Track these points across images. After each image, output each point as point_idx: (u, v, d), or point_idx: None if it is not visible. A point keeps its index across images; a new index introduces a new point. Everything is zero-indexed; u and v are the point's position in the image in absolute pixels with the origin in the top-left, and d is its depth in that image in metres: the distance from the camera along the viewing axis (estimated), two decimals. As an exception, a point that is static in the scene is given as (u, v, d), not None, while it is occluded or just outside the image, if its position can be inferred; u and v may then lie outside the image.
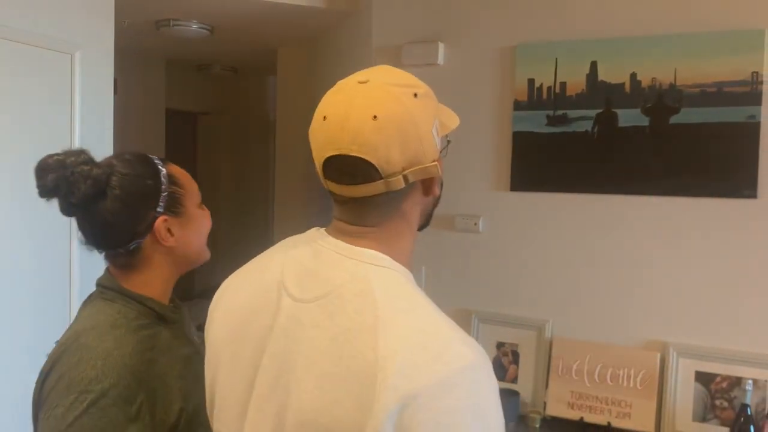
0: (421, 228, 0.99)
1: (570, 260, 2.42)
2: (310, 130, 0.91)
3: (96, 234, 1.14)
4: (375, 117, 0.84)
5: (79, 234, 1.16)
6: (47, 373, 1.07)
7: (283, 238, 1.01)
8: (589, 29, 2.35)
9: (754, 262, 2.15)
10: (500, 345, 2.51)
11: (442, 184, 0.97)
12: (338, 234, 0.91)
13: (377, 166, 0.84)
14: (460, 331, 0.82)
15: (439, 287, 2.62)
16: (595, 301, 2.38)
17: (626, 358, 2.29)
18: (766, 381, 2.09)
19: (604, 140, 2.33)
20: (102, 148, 2.28)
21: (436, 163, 0.89)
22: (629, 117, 2.29)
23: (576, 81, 2.37)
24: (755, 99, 2.11)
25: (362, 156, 0.84)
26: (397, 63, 2.67)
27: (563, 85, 2.39)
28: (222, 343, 0.93)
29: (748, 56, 2.12)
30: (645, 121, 2.27)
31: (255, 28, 3.48)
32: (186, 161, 5.76)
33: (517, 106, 2.46)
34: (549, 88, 2.41)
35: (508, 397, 2.35)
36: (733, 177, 2.16)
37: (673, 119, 2.23)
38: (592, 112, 2.34)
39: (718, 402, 2.16)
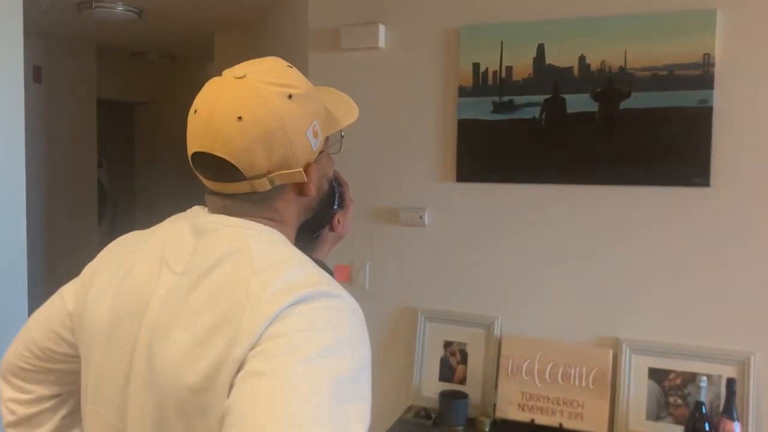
0: (308, 219, 0.98)
1: (519, 254, 2.30)
2: (189, 118, 0.89)
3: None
4: (240, 118, 0.83)
5: None
6: None
7: None
8: (536, 10, 2.23)
9: (707, 253, 2.06)
10: (448, 344, 2.38)
11: (331, 180, 0.99)
12: (219, 213, 0.90)
13: (240, 168, 0.84)
14: (333, 281, 0.83)
15: (384, 284, 2.48)
16: (545, 296, 2.27)
17: (578, 356, 2.19)
18: (720, 377, 2.01)
19: (552, 127, 2.21)
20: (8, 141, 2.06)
21: (302, 171, 0.88)
22: (578, 102, 2.18)
23: (522, 65, 2.24)
24: (707, 82, 2.02)
25: (224, 157, 0.84)
26: (335, 46, 2.51)
27: (509, 69, 2.26)
28: (98, 323, 0.91)
29: (700, 37, 2.03)
30: (594, 107, 2.16)
31: (187, 11, 3.26)
32: (123, 154, 5.49)
33: (462, 92, 2.32)
34: (495, 72, 2.27)
35: (457, 399, 2.23)
36: (685, 164, 2.07)
37: (624, 104, 2.13)
38: (540, 98, 2.22)
39: (671, 399, 2.07)
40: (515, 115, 2.25)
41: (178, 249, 0.88)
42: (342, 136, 1.02)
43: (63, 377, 1.02)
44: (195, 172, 0.90)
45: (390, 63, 2.44)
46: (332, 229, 1.42)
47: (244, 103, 0.84)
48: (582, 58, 2.17)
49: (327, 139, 0.96)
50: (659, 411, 2.09)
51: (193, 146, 0.88)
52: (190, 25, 3.62)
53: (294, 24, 2.78)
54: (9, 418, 1.02)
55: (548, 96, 2.21)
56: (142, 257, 0.92)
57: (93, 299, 0.93)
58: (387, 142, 2.47)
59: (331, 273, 1.17)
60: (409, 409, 2.33)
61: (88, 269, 0.99)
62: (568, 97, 2.19)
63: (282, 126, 0.85)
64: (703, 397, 1.92)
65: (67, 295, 0.99)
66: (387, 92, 2.46)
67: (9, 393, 1.03)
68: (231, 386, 0.74)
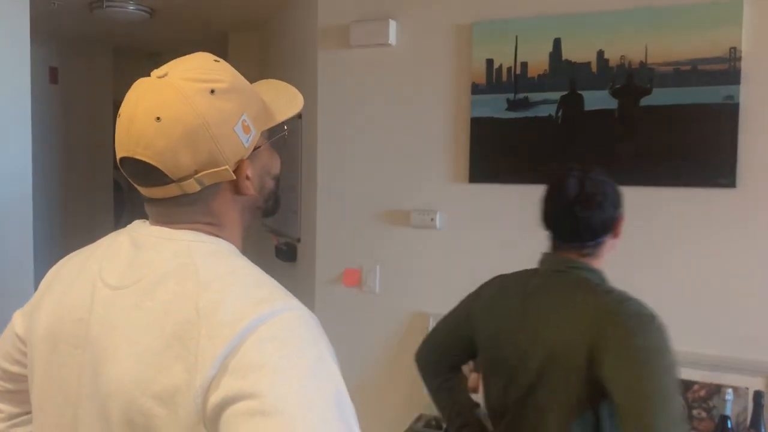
0: (264, 215, 0.95)
1: (533, 258, 2.20)
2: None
3: (585, 229, 1.40)
4: (158, 119, 0.79)
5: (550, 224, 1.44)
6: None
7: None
8: (552, 4, 2.13)
9: (733, 258, 1.95)
10: (460, 351, 2.29)
11: (274, 174, 0.93)
12: (158, 223, 0.87)
13: (163, 171, 0.81)
14: (283, 289, 0.80)
15: (394, 288, 2.40)
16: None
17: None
18: (747, 389, 1.90)
19: (569, 125, 2.12)
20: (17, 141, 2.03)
21: (228, 169, 0.83)
22: (596, 99, 2.08)
23: (538, 61, 2.15)
24: (733, 77, 1.91)
25: (147, 160, 0.80)
26: (345, 44, 2.44)
27: (524, 65, 2.17)
28: (37, 348, 0.89)
29: (725, 30, 1.92)
30: (613, 104, 2.07)
31: (200, 10, 3.22)
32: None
33: (475, 89, 2.24)
34: (509, 69, 2.19)
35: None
36: (709, 165, 1.96)
37: (644, 101, 2.03)
38: (556, 95, 2.13)
39: (695, 412, 1.96)
40: (530, 113, 2.16)
41: (113, 262, 0.86)
42: (285, 130, 0.95)
43: (26, 397, 1.01)
44: (125, 175, 0.86)
45: (401, 60, 2.37)
46: (615, 236, 1.46)
47: (163, 102, 0.80)
48: (600, 53, 2.08)
49: (267, 133, 0.91)
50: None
51: (119, 151, 0.84)
52: (203, 24, 3.59)
53: (304, 21, 2.73)
54: None
55: (565, 93, 2.12)
56: (79, 276, 0.89)
57: (36, 325, 0.91)
58: (397, 141, 2.40)
59: (603, 280, 1.43)
60: (419, 418, 2.25)
61: (37, 292, 0.97)
62: (585, 93, 2.09)
63: (204, 123, 0.81)
64: (729, 410, 1.81)
65: (16, 319, 0.99)
66: (397, 90, 2.38)
67: None
68: (204, 415, 0.71)
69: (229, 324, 0.72)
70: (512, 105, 2.18)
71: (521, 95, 2.17)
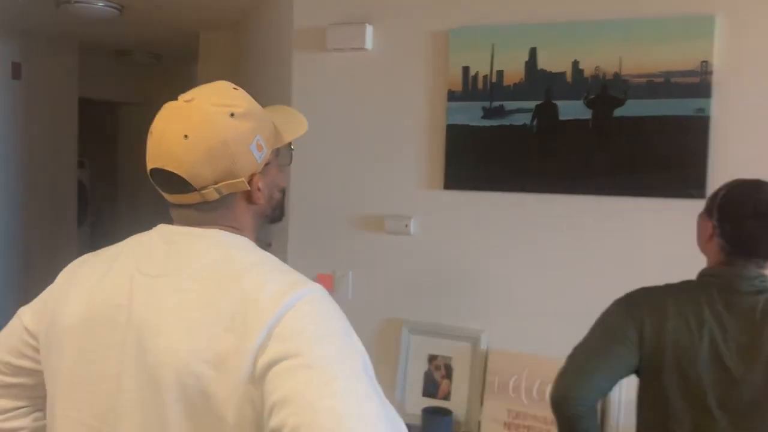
0: (271, 221, 1.10)
1: (508, 265, 2.22)
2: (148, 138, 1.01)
3: None
4: (186, 136, 0.95)
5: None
6: None
7: None
8: (528, 13, 2.15)
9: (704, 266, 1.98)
10: (432, 358, 2.29)
11: (281, 187, 1.09)
12: (183, 225, 1.01)
13: (188, 180, 0.96)
14: (303, 276, 0.96)
15: (367, 294, 2.39)
16: (534, 309, 2.18)
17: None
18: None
19: (544, 135, 2.13)
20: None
21: (244, 181, 0.98)
22: (571, 109, 2.10)
23: (514, 69, 2.16)
24: (704, 90, 1.95)
25: (174, 171, 0.96)
26: (321, 47, 2.42)
27: (500, 74, 2.18)
28: (69, 337, 0.99)
29: (697, 44, 1.95)
30: (588, 114, 2.09)
31: (171, 8, 3.16)
32: (106, 155, 5.38)
33: (451, 96, 2.24)
34: (485, 77, 2.19)
35: (440, 416, 2.14)
36: (680, 175, 1.99)
37: (618, 112, 2.05)
38: (532, 104, 2.14)
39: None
40: (506, 122, 2.17)
41: (150, 255, 0.99)
42: (291, 149, 1.12)
43: (23, 391, 1.12)
44: (155, 185, 1.01)
45: (377, 65, 2.36)
46: None
47: (190, 123, 0.96)
48: (575, 64, 2.09)
49: (276, 152, 1.06)
50: None
51: (149, 164, 0.99)
52: (174, 23, 3.52)
53: (279, 22, 2.69)
54: None
55: (540, 102, 2.13)
56: (111, 271, 1.01)
57: (62, 317, 1.01)
58: (373, 146, 2.38)
59: None
60: (390, 425, 2.23)
61: (50, 291, 1.09)
62: (560, 103, 2.11)
63: (224, 141, 0.96)
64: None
65: (24, 314, 1.10)
66: (373, 95, 2.37)
67: None
68: (254, 374, 0.85)
69: (271, 302, 0.88)
70: (488, 113, 2.19)
71: (497, 103, 2.18)
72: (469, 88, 2.21)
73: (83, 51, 4.36)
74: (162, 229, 1.02)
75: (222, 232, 0.99)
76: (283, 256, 2.58)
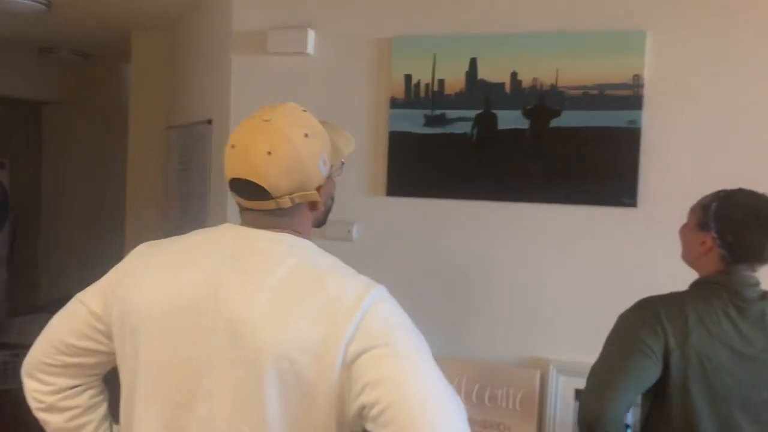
0: (317, 226, 1.25)
1: (447, 271, 2.24)
2: (225, 152, 1.15)
3: None
4: (269, 153, 1.09)
5: None
6: None
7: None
8: (469, 24, 2.19)
9: (635, 273, 2.06)
10: (374, 365, 2.28)
11: (333, 198, 1.26)
12: (253, 227, 1.16)
13: (268, 190, 1.11)
14: (369, 279, 1.13)
15: (308, 302, 2.36)
16: (473, 315, 2.22)
17: (506, 377, 2.14)
18: (645, 398, 2.00)
19: (483, 143, 2.17)
20: None
21: (315, 192, 1.15)
22: (509, 119, 2.15)
23: (455, 79, 2.19)
24: (636, 103, 2.03)
25: (257, 182, 1.10)
26: (261, 51, 2.39)
27: (442, 82, 2.20)
28: (149, 319, 1.12)
29: (630, 58, 2.03)
30: (525, 124, 2.14)
31: (101, 6, 3.05)
32: (29, 156, 5.12)
33: (394, 104, 2.25)
34: (427, 85, 2.21)
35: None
36: (613, 184, 2.07)
37: (554, 122, 2.11)
38: (472, 113, 2.18)
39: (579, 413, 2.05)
40: (447, 130, 2.19)
41: (233, 254, 1.12)
42: (342, 164, 1.25)
43: (81, 371, 1.23)
44: (231, 192, 1.16)
45: (319, 70, 2.34)
46: None
47: (272, 141, 1.10)
48: (514, 75, 2.14)
49: (332, 166, 1.21)
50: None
51: (231, 173, 1.13)
52: (104, 21, 3.39)
53: (218, 25, 2.64)
54: (37, 405, 1.24)
55: (480, 111, 2.17)
56: (187, 264, 1.14)
57: (139, 305, 1.13)
58: (314, 152, 2.36)
59: None
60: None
61: (116, 279, 1.20)
62: (499, 113, 2.15)
63: (300, 158, 1.11)
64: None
65: (88, 299, 1.21)
66: (315, 100, 2.34)
67: (33, 385, 1.23)
68: (345, 361, 1.03)
69: (355, 302, 1.06)
70: (430, 121, 2.21)
71: (439, 112, 2.20)
72: (411, 96, 2.22)
73: (6, 47, 4.15)
74: (236, 230, 1.16)
75: (293, 236, 1.15)
76: (220, 262, 2.52)
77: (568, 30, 2.09)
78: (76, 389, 1.24)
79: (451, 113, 2.19)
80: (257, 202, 1.13)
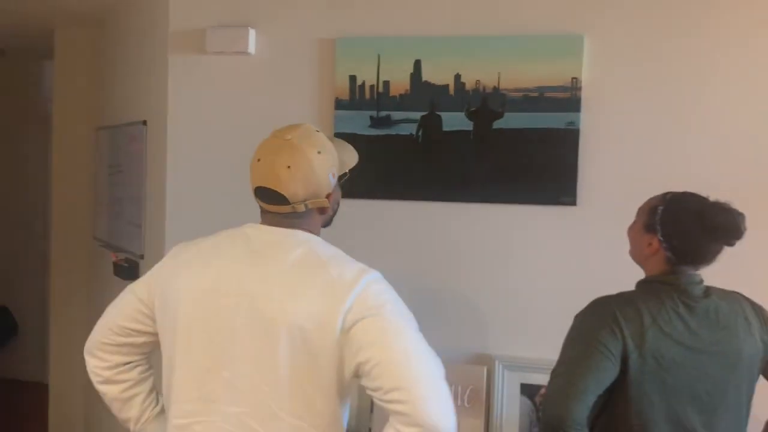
0: (325, 225, 1.52)
1: (393, 272, 2.21)
2: (251, 164, 1.41)
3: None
4: (289, 167, 1.35)
5: None
6: None
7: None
8: (412, 25, 2.20)
9: (574, 270, 2.13)
10: (321, 368, 2.27)
11: (339, 202, 1.53)
12: (272, 226, 1.42)
13: (287, 197, 1.37)
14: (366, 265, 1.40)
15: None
16: (420, 314, 2.21)
17: (453, 374, 2.12)
18: (588, 390, 2.07)
19: (429, 145, 2.19)
20: None
21: (325, 199, 1.42)
22: (454, 121, 2.18)
23: (400, 80, 2.20)
24: (575, 105, 2.10)
25: (279, 191, 1.36)
26: (200, 50, 2.32)
27: (387, 84, 2.21)
28: (186, 303, 1.37)
29: (568, 61, 2.10)
30: (469, 126, 2.17)
31: (18, 0, 2.88)
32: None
33: (339, 105, 2.23)
34: (372, 86, 2.21)
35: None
36: (554, 184, 2.13)
37: (497, 124, 2.15)
38: (417, 115, 2.19)
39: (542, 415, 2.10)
40: (393, 131, 2.20)
41: (253, 248, 1.38)
42: (347, 175, 1.53)
43: (132, 349, 1.49)
44: (255, 197, 1.42)
45: (261, 70, 2.30)
46: None
47: (292, 157, 1.36)
48: (457, 77, 2.17)
49: (339, 177, 1.47)
50: (531, 427, 2.12)
51: (258, 182, 1.39)
52: (22, 17, 3.21)
53: (152, 23, 2.55)
54: (97, 378, 1.51)
55: (425, 113, 2.19)
56: (216, 256, 1.40)
57: (176, 290, 1.39)
58: (257, 154, 2.32)
59: None
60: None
61: (158, 271, 1.47)
62: (444, 114, 2.18)
63: (314, 172, 1.37)
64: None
65: (137, 289, 1.48)
66: (257, 101, 2.31)
67: (93, 362, 1.50)
68: (343, 328, 1.29)
69: (353, 280, 1.32)
70: (375, 122, 2.21)
71: (384, 113, 2.21)
72: (356, 97, 2.22)
73: None
74: (255, 227, 1.43)
75: (302, 232, 1.40)
76: (158, 268, 2.44)
77: (509, 33, 2.14)
78: (128, 365, 1.50)
79: (396, 114, 2.20)
80: (277, 206, 1.39)
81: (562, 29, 2.11)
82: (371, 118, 2.21)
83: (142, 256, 2.61)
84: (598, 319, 1.52)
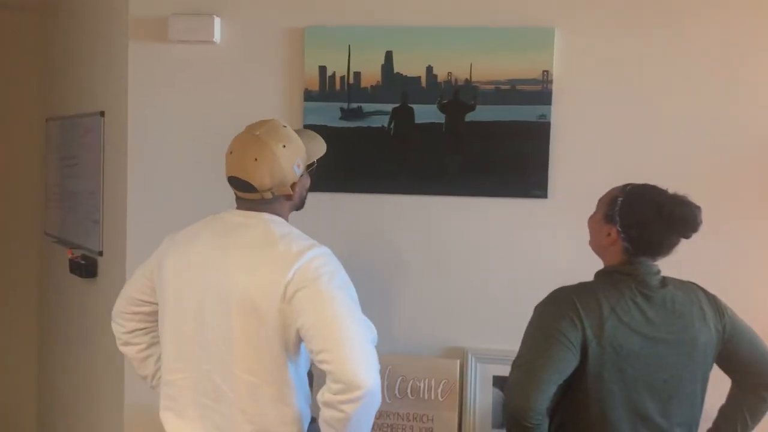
0: (297, 209, 1.71)
1: (364, 265, 2.22)
2: (225, 155, 1.61)
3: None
4: (256, 159, 1.54)
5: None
6: None
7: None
8: (384, 15, 2.16)
9: (546, 262, 2.15)
10: (292, 365, 2.23)
11: (308, 189, 1.71)
12: (246, 210, 1.61)
13: (255, 186, 1.55)
14: (316, 242, 1.59)
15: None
16: (392, 308, 2.22)
17: (427, 368, 2.17)
18: (560, 381, 2.10)
19: (401, 137, 2.17)
20: None
21: (289, 188, 1.60)
22: (426, 113, 2.16)
23: (371, 71, 2.17)
24: (546, 98, 2.10)
25: (247, 180, 1.55)
26: (162, 39, 2.24)
27: (357, 75, 2.17)
28: (171, 278, 1.61)
29: (539, 54, 2.10)
30: (441, 118, 2.15)
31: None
32: None
33: (308, 96, 2.18)
34: (342, 78, 2.17)
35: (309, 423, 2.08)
36: (525, 177, 2.14)
37: (469, 116, 2.15)
38: (389, 107, 2.16)
39: (504, 406, 2.12)
40: (364, 123, 2.17)
41: (222, 228, 1.59)
42: (314, 164, 1.69)
43: (144, 317, 1.75)
44: (229, 184, 1.60)
45: (227, 60, 2.23)
46: None
47: (259, 150, 1.54)
48: (429, 69, 2.15)
49: (306, 167, 1.65)
50: (503, 419, 2.13)
51: (229, 172, 1.58)
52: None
53: (111, 8, 2.43)
54: (118, 341, 1.80)
55: (397, 105, 2.16)
56: (197, 237, 1.62)
57: (165, 267, 1.62)
58: (224, 148, 2.23)
59: None
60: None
61: (159, 251, 1.70)
62: (416, 107, 2.16)
63: (279, 163, 1.55)
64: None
65: (144, 267, 1.74)
66: (223, 92, 2.24)
67: (116, 327, 1.78)
68: (285, 297, 1.47)
69: (296, 254, 1.50)
70: (346, 114, 2.17)
71: (355, 105, 2.17)
72: (326, 89, 2.17)
73: None
74: (230, 212, 1.61)
75: (266, 214, 1.58)
76: (119, 266, 2.35)
77: (481, 25, 2.13)
78: (143, 330, 1.76)
79: (367, 106, 2.16)
80: (247, 194, 1.57)
81: (533, 22, 2.11)
82: (342, 110, 2.17)
83: (100, 253, 2.51)
84: (557, 310, 1.53)
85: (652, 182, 1.59)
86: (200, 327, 1.55)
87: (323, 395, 1.43)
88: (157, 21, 2.23)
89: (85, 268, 2.56)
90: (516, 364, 1.53)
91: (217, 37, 2.21)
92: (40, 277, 3.33)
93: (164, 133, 2.27)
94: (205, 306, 1.54)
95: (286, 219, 1.63)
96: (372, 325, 1.57)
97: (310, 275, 1.46)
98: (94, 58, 2.59)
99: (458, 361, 2.16)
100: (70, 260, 2.67)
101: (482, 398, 2.15)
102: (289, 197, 1.60)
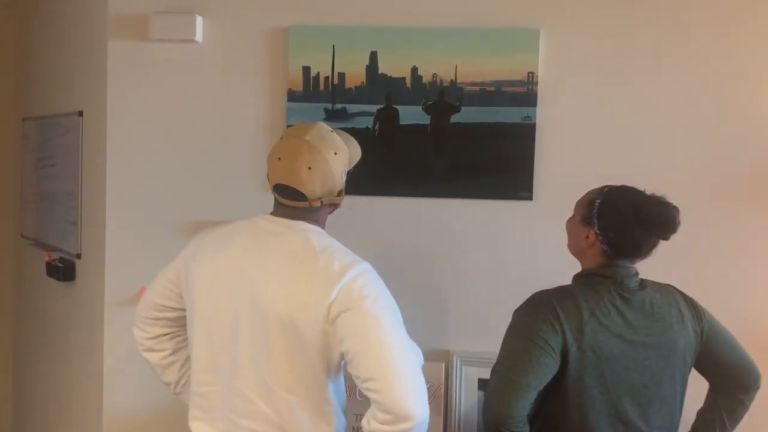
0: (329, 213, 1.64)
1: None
2: (270, 161, 1.53)
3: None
4: (309, 168, 1.48)
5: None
6: None
7: None
8: (369, 15, 2.14)
9: (531, 264, 2.14)
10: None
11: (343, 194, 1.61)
12: (284, 217, 1.55)
13: (306, 195, 1.50)
14: (358, 257, 1.52)
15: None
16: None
17: (412, 372, 2.14)
18: (545, 383, 2.09)
19: (385, 138, 2.15)
20: None
21: (338, 196, 1.57)
22: (411, 114, 2.14)
23: (355, 72, 2.14)
24: (531, 100, 2.10)
25: (298, 189, 1.50)
26: (142, 37, 2.20)
27: (342, 75, 2.15)
28: (203, 284, 1.54)
29: (524, 56, 2.10)
30: (427, 119, 2.14)
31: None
32: None
33: (292, 96, 2.16)
34: (326, 78, 2.15)
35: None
36: (511, 178, 2.13)
37: (454, 118, 2.13)
38: (373, 108, 2.15)
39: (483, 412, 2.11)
40: (348, 124, 2.14)
41: (257, 236, 1.52)
42: (351, 170, 1.63)
43: (168, 323, 1.68)
44: (274, 192, 1.55)
45: (209, 59, 2.19)
46: None
47: (311, 158, 1.48)
48: (414, 70, 2.14)
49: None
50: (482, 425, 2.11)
51: (278, 180, 1.51)
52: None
53: (89, 6, 2.38)
54: (141, 346, 1.72)
55: (382, 106, 2.14)
56: (228, 243, 1.54)
57: (194, 272, 1.55)
58: (205, 147, 2.21)
59: None
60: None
61: (184, 255, 1.63)
62: (401, 108, 2.14)
63: (331, 172, 1.51)
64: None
65: (168, 271, 1.66)
66: (205, 92, 2.20)
67: (138, 333, 1.71)
68: (329, 318, 1.41)
69: (339, 273, 1.43)
70: (330, 115, 2.15)
71: (339, 105, 2.15)
72: (310, 89, 2.15)
73: None
74: (265, 218, 1.56)
75: (304, 223, 1.52)
76: (98, 268, 2.30)
77: (467, 26, 2.11)
78: (167, 336, 1.70)
79: (352, 107, 2.14)
80: (294, 202, 1.51)
81: (518, 23, 2.10)
82: (326, 110, 2.15)
83: (78, 256, 2.45)
84: (537, 314, 1.52)
85: (637, 184, 1.59)
86: (233, 339, 1.48)
87: (369, 423, 1.38)
88: (138, 19, 2.19)
89: (63, 271, 2.51)
90: (495, 370, 1.51)
91: (198, 36, 2.17)
92: (17, 281, 3.26)
93: (144, 133, 2.23)
94: (240, 318, 1.47)
95: (323, 227, 1.58)
96: (418, 349, 1.51)
97: (354, 296, 1.40)
98: (72, 56, 2.54)
99: (443, 364, 2.14)
100: (48, 263, 2.61)
101: (467, 401, 2.14)
102: (333, 206, 1.57)
